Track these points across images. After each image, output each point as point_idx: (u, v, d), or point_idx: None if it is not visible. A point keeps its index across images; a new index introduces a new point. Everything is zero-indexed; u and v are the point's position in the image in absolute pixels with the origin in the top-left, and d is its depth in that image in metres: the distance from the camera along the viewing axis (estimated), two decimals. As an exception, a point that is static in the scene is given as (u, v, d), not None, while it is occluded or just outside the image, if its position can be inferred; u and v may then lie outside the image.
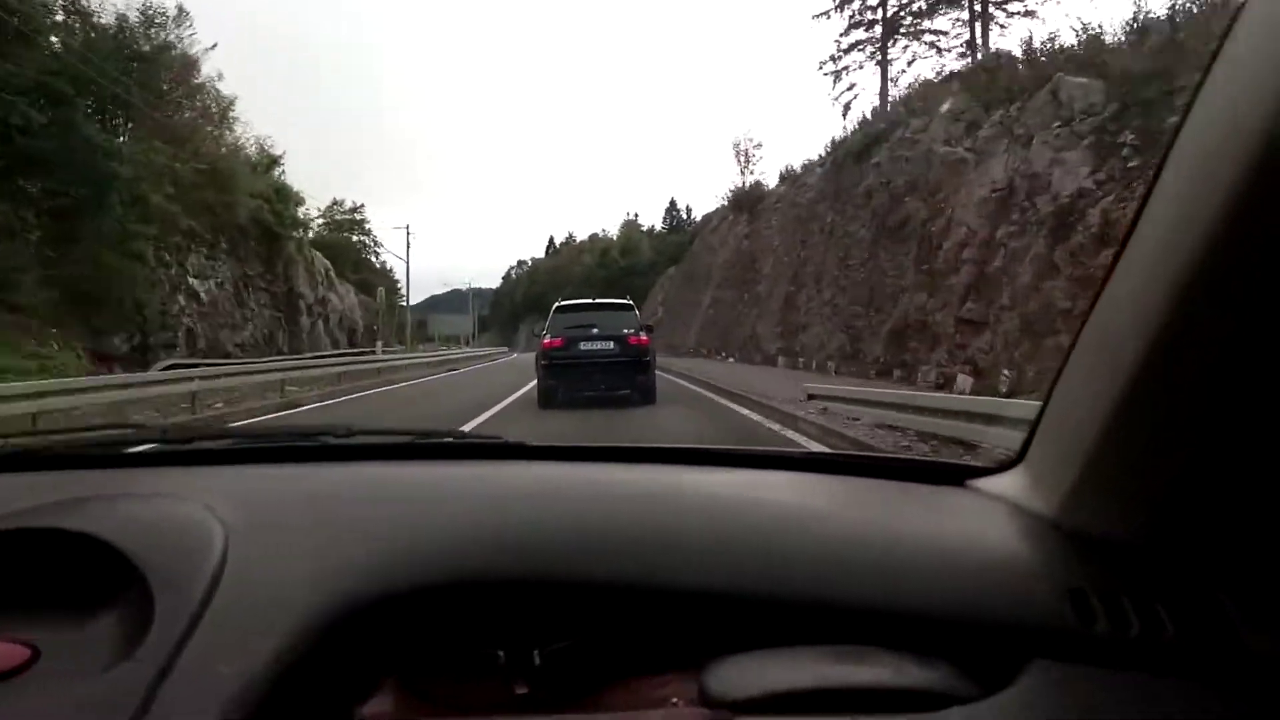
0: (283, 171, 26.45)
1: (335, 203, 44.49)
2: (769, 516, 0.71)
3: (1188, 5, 9.60)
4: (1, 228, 13.83)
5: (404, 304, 43.95)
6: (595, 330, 9.32)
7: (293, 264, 24.93)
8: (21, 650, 0.52)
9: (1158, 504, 0.55)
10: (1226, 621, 0.54)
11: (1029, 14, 21.43)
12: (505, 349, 51.63)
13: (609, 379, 9.26)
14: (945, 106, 11.92)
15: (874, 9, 25.25)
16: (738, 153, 29.64)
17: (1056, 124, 8.90)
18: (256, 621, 0.55)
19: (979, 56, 19.39)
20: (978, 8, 22.59)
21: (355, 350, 27.64)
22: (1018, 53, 12.65)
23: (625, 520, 0.71)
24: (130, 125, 18.03)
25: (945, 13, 24.43)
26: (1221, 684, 0.52)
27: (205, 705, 0.49)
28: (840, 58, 25.99)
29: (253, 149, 25.53)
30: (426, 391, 14.26)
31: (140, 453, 0.98)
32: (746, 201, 27.25)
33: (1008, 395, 7.09)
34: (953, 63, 22.53)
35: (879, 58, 25.58)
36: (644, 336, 9.52)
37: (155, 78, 18.73)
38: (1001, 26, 22.25)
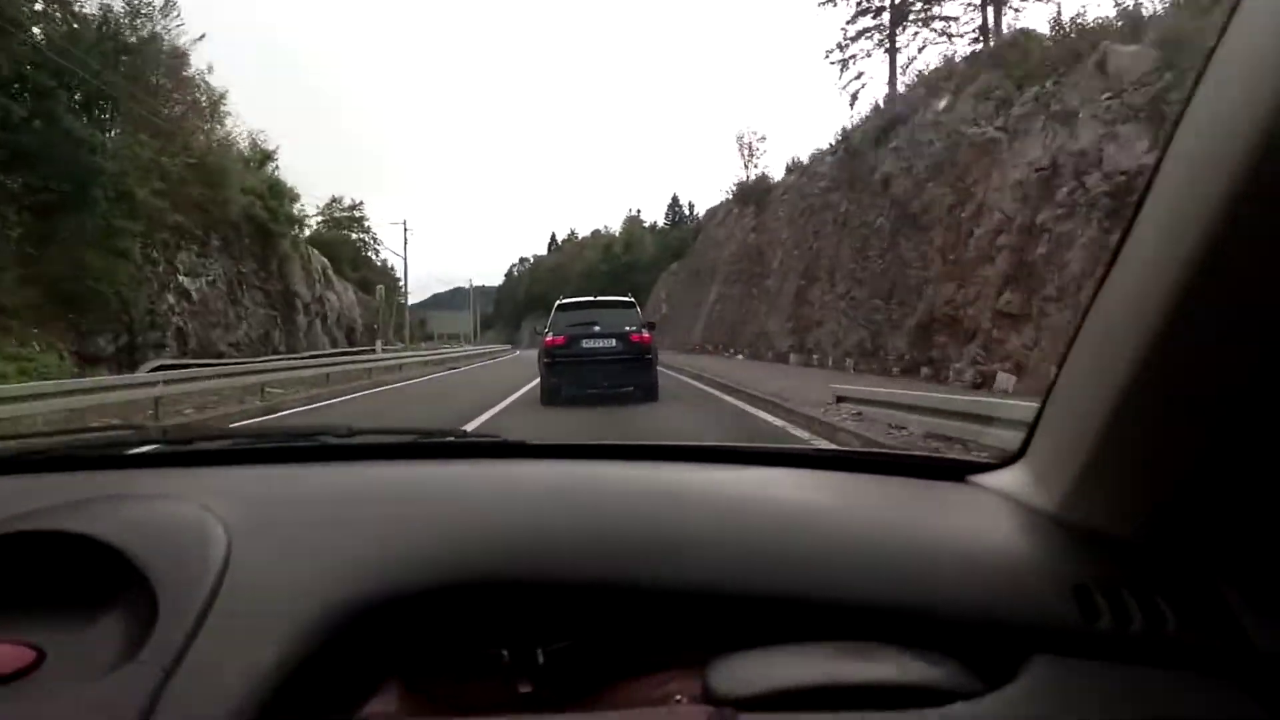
0: (277, 166, 25.94)
1: (334, 200, 44.01)
2: (771, 514, 0.71)
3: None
4: (-21, 225, 13.35)
5: (403, 301, 43.35)
6: (597, 328, 9.34)
7: (288, 261, 24.42)
8: (27, 652, 0.53)
9: (1159, 498, 0.56)
10: (1228, 614, 0.54)
11: (1045, -4, 20.63)
12: (508, 346, 51.53)
13: (611, 376, 9.25)
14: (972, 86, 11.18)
15: (881, -5, 24.51)
16: (741, 146, 29.11)
17: (1105, 95, 8.18)
18: (260, 622, 0.56)
19: (992, 42, 18.63)
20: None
21: (355, 349, 27.21)
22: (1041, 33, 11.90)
23: (628, 519, 0.71)
24: (117, 119, 17.55)
25: (956, -4, 23.67)
26: (1224, 677, 0.52)
27: (211, 706, 0.49)
28: (847, 45, 25.35)
29: (245, 143, 25.04)
30: (422, 395, 13.61)
31: (141, 454, 0.97)
32: (753, 193, 26.72)
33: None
34: (964, 49, 21.77)
35: (888, 45, 24.90)
36: (646, 334, 9.51)
37: (143, 70, 18.25)
38: (1015, 10, 21.50)
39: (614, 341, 9.20)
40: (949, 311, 10.46)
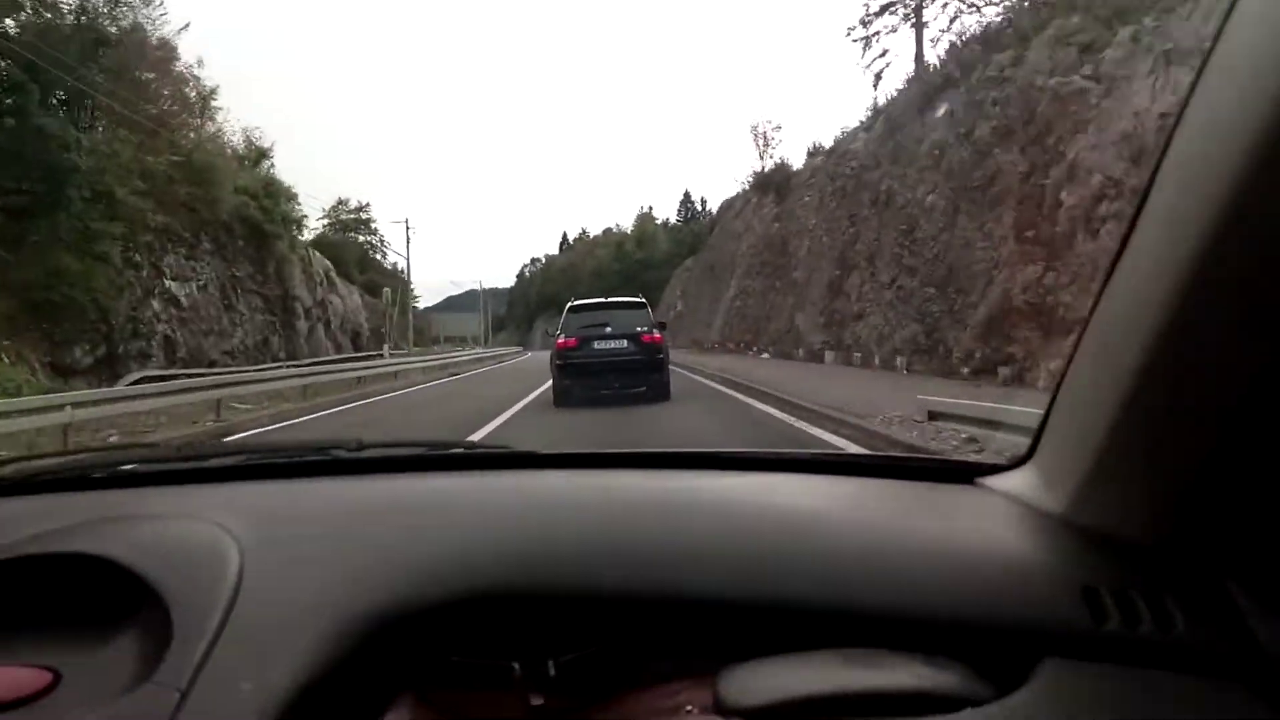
0: (272, 165, 24.82)
1: (340, 202, 42.96)
2: (781, 521, 0.72)
3: None
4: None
5: (411, 305, 42.19)
6: (609, 329, 9.34)
7: (287, 264, 23.25)
8: (43, 675, 0.53)
9: (1167, 499, 0.56)
10: (1237, 616, 0.54)
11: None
12: (519, 348, 50.36)
13: (623, 377, 9.22)
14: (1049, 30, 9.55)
15: (909, -35, 22.88)
16: (756, 136, 27.62)
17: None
18: (274, 639, 0.56)
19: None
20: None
21: (361, 354, 26.09)
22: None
23: (638, 528, 0.72)
24: (98, 115, 16.45)
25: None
26: (1233, 678, 0.52)
27: None
28: (870, 21, 23.74)
29: (239, 140, 23.90)
30: (409, 405, 12.28)
31: (152, 472, 0.98)
32: (773, 181, 25.17)
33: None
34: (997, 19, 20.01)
35: (914, 20, 23.28)
36: (657, 334, 9.52)
37: (125, 64, 17.12)
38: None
39: (626, 342, 9.23)
40: (1031, 300, 8.88)
